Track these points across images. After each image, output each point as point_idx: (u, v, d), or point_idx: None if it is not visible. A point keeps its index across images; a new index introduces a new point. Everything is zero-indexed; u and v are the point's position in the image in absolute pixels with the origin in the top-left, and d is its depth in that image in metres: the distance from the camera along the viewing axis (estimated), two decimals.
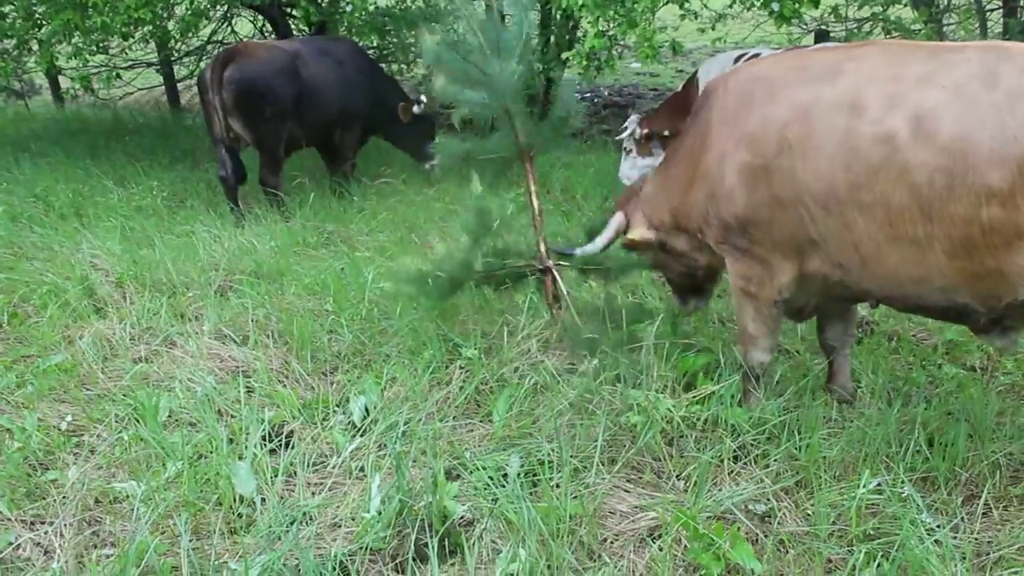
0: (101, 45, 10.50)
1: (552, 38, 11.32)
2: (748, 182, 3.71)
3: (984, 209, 3.17)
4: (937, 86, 3.26)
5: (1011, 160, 3.10)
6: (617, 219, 4.51)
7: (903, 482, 3.40)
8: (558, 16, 10.88)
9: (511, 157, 4.52)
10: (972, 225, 3.22)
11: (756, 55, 7.69)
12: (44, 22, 9.54)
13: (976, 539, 3.26)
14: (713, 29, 11.07)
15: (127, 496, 3.56)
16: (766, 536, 3.27)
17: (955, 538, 3.21)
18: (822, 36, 9.67)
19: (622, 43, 8.45)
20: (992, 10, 8.68)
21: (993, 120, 3.13)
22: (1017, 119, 3.09)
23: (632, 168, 8.26)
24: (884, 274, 3.55)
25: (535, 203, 4.48)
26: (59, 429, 4.13)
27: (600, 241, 4.53)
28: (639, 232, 4.39)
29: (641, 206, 4.45)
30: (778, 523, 3.37)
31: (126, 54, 13.06)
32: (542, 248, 4.53)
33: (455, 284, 4.51)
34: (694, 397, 4.03)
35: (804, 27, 10.57)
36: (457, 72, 4.32)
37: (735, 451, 3.75)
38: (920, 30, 7.55)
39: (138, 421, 4.10)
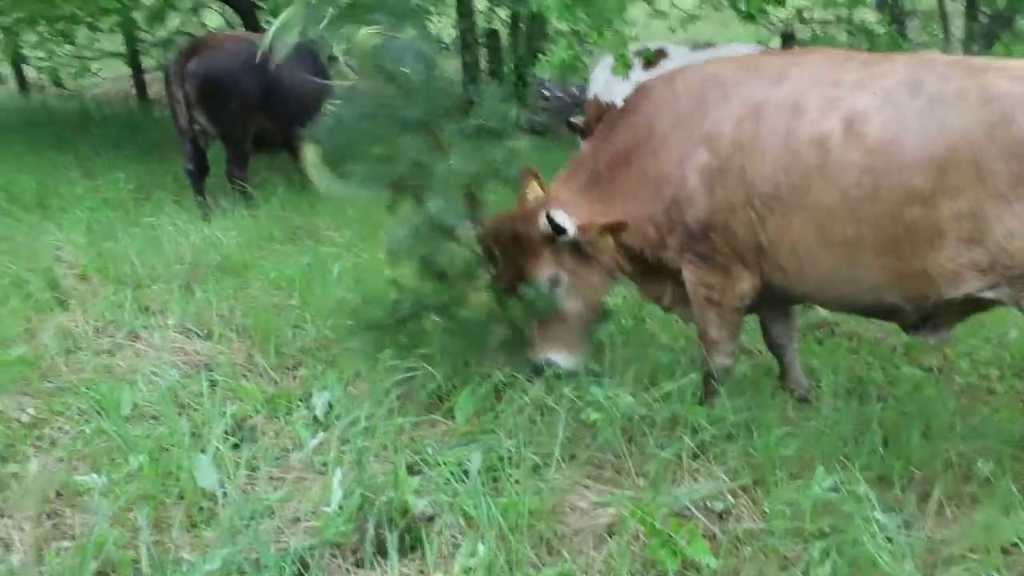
0: (67, 35, 10.43)
1: (520, 40, 11.39)
2: (708, 184, 3.74)
3: (907, 208, 3.31)
4: (869, 91, 3.41)
5: (932, 162, 3.25)
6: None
7: (858, 480, 3.44)
8: (527, 17, 10.94)
9: None
10: (897, 224, 3.35)
11: (659, 51, 7.83)
12: (9, 10, 9.44)
13: (928, 536, 3.30)
14: (684, 28, 11.17)
15: (88, 489, 3.53)
16: (723, 533, 3.30)
17: (907, 535, 3.25)
18: (789, 37, 9.76)
19: (589, 44, 8.48)
20: (955, 15, 8.80)
21: (916, 124, 3.28)
22: (936, 123, 3.25)
23: None
24: (818, 276, 3.67)
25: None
26: (20, 422, 4.09)
27: None
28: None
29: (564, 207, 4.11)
30: (735, 520, 3.41)
31: (94, 45, 12.97)
32: (491, 271, 4.42)
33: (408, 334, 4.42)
34: (655, 395, 4.07)
35: (771, 27, 10.66)
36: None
37: (694, 449, 3.79)
38: (883, 33, 7.64)
39: (100, 414, 4.07)
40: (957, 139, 3.22)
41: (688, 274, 3.97)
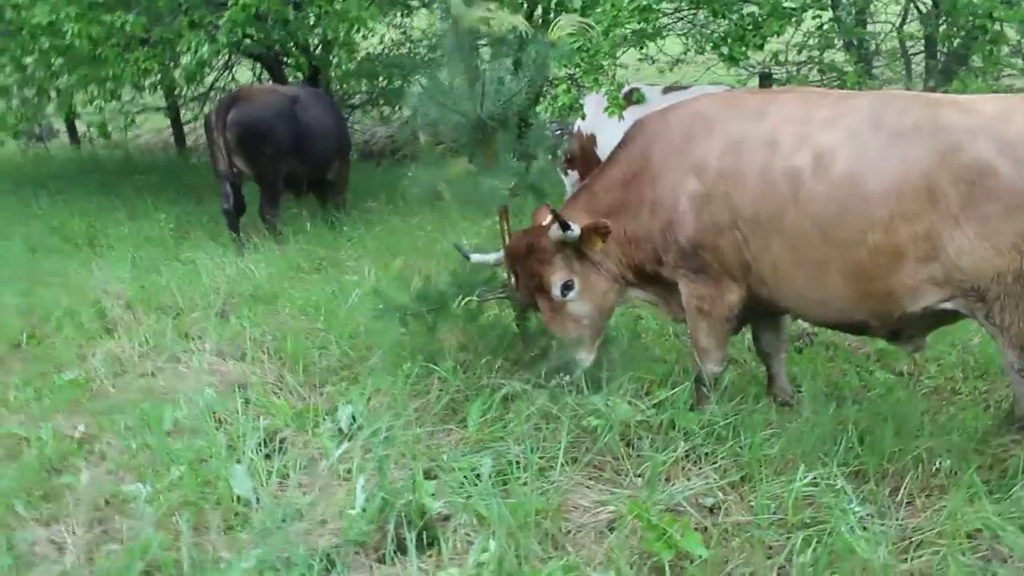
0: (115, 93, 10.55)
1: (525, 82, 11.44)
2: (696, 208, 3.82)
3: (869, 234, 3.36)
4: (836, 128, 3.47)
5: (890, 191, 3.30)
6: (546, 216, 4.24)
7: (836, 475, 3.44)
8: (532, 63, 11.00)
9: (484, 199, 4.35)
10: (860, 248, 3.40)
11: (635, 89, 7.94)
12: (62, 73, 9.57)
13: (900, 525, 3.30)
14: (671, 71, 11.23)
15: (134, 497, 3.55)
16: (713, 526, 3.29)
17: (882, 524, 3.25)
18: (766, 77, 9.81)
19: (586, 88, 8.53)
20: (915, 54, 8.83)
21: (876, 157, 3.34)
22: (894, 155, 3.30)
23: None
24: (794, 293, 3.73)
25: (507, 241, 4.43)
26: (72, 438, 4.12)
27: (493, 257, 4.46)
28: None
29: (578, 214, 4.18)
30: (724, 514, 3.40)
31: (137, 100, 13.10)
32: (512, 281, 4.49)
33: (433, 317, 4.51)
34: (650, 403, 4.08)
35: (750, 69, 10.71)
36: (438, 117, 4.27)
37: (687, 451, 3.79)
38: (850, 72, 7.69)
39: (145, 430, 4.10)
40: (913, 168, 3.26)
41: (682, 287, 4.05)
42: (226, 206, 8.12)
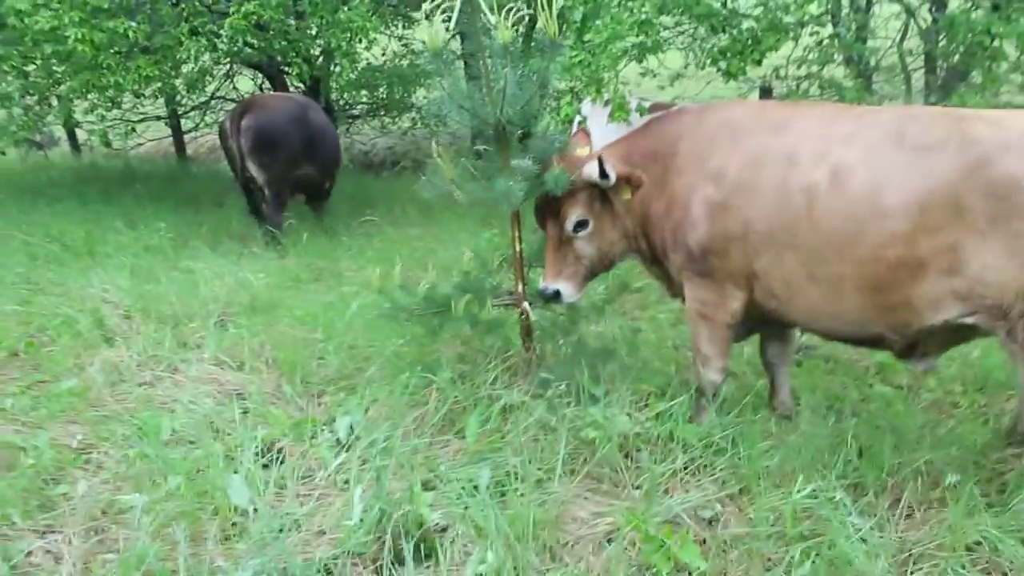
0: (116, 101, 10.55)
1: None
2: (710, 214, 3.80)
3: (890, 248, 3.33)
4: (856, 144, 3.44)
5: (913, 206, 3.27)
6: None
7: (835, 488, 3.44)
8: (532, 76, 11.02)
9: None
10: (879, 264, 3.37)
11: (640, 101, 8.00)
12: (64, 80, 9.57)
13: (900, 537, 3.30)
14: (672, 85, 11.22)
15: (130, 507, 3.54)
16: (712, 538, 3.30)
17: (880, 537, 3.25)
18: (766, 92, 9.83)
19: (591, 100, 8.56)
20: (915, 70, 8.84)
21: (899, 173, 3.31)
22: (918, 171, 3.28)
23: None
24: (807, 307, 3.70)
25: (518, 247, 4.48)
26: (70, 447, 4.12)
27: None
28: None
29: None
30: (723, 526, 3.41)
31: (138, 109, 13.11)
32: (519, 288, 4.52)
33: (438, 319, 4.54)
34: (649, 415, 4.08)
35: (750, 83, 10.72)
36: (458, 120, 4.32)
37: (685, 463, 3.79)
38: (850, 87, 7.70)
39: (142, 440, 4.09)
40: (939, 182, 3.23)
41: (686, 289, 4.05)
42: (253, 214, 8.53)
